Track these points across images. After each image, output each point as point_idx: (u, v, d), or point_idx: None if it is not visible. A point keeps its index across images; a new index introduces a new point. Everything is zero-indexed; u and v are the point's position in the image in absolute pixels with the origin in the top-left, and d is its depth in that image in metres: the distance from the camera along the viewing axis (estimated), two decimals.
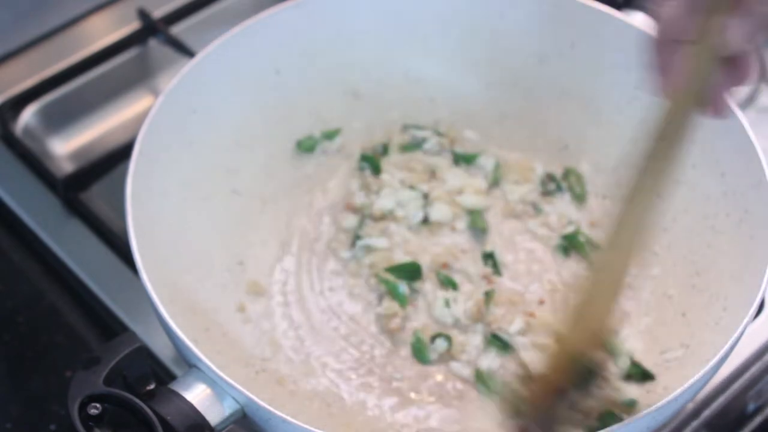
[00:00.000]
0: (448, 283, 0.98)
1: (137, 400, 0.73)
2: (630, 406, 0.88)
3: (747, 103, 1.14)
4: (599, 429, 0.75)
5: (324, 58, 1.03)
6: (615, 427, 0.75)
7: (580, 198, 1.04)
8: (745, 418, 0.99)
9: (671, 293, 0.96)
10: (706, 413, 0.95)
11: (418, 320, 0.97)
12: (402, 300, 0.97)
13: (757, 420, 1.00)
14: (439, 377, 0.94)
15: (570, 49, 1.03)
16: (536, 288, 0.98)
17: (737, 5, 0.73)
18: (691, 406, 0.94)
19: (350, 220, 1.02)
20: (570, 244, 1.01)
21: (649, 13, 1.01)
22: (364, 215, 1.02)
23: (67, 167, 1.13)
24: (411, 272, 0.98)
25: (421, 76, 1.07)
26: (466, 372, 0.93)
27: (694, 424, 0.94)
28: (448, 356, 0.94)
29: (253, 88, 1.01)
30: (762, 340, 0.98)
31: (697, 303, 0.93)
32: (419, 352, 0.95)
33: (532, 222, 1.03)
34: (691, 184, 0.97)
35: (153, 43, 1.21)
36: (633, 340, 0.94)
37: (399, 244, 1.00)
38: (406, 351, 0.95)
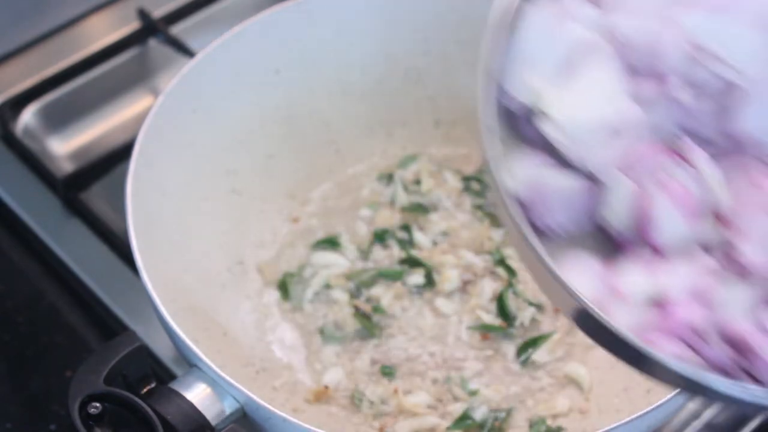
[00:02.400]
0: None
1: (137, 400, 0.73)
2: None
3: None
4: None
5: (324, 58, 1.03)
6: (615, 426, 0.75)
7: None
8: (745, 418, 0.99)
9: None
10: (706, 413, 0.95)
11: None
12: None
13: (757, 420, 1.00)
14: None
15: None
16: None
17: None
18: (691, 406, 0.94)
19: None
20: None
21: None
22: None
23: (67, 167, 1.13)
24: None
25: (421, 76, 1.07)
26: None
27: (694, 424, 0.94)
28: None
29: (253, 88, 1.01)
30: None
31: None
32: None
33: None
34: None
35: (153, 43, 1.21)
36: None
37: None
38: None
